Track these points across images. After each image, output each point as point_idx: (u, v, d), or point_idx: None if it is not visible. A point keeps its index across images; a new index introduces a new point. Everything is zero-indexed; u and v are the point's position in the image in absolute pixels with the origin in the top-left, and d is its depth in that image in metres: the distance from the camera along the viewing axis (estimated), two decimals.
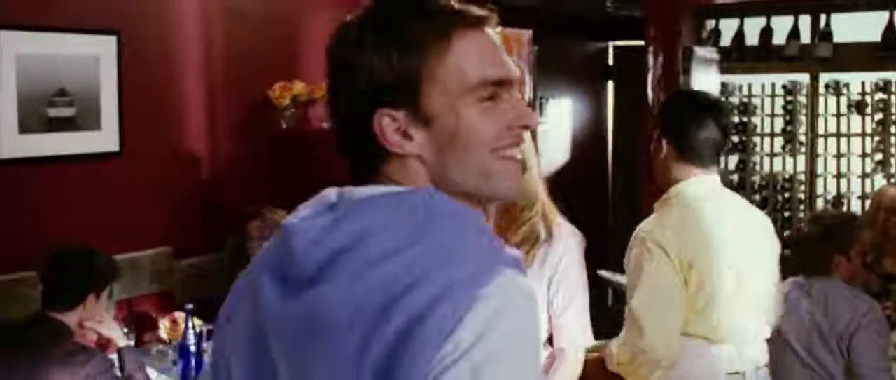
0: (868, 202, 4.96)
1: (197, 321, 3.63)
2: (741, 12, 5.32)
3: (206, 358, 3.64)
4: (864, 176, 5.03)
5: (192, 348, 3.52)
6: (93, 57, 3.86)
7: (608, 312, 8.03)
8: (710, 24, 5.49)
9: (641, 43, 5.64)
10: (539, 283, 2.53)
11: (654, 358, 2.59)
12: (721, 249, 2.64)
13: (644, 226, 2.71)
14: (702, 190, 2.69)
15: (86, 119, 3.86)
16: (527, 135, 1.23)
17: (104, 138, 3.93)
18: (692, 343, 2.66)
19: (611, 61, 8.04)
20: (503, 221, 2.49)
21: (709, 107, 2.73)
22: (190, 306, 3.58)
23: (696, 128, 2.67)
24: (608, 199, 8.08)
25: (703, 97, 2.88)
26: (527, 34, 6.89)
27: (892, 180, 4.91)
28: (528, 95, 6.97)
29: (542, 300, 2.56)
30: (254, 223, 3.97)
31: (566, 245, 2.57)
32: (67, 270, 3.25)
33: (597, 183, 7.97)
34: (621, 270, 2.91)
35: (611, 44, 7.98)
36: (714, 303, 2.63)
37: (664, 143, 2.72)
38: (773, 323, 2.84)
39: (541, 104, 7.11)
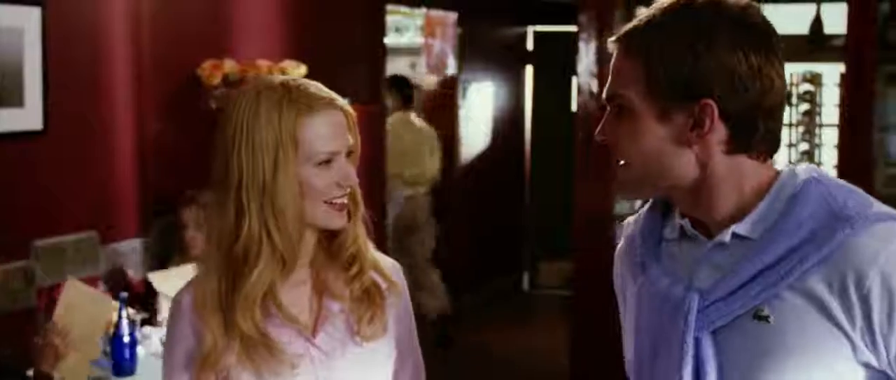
0: None
1: (129, 310, 3.46)
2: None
3: (141, 350, 3.47)
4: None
5: (127, 340, 3.35)
6: (16, 29, 3.62)
7: (523, 294, 8.10)
8: (643, 12, 5.50)
9: (562, 28, 5.63)
10: (387, 353, 1.76)
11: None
12: (405, 140, 6.29)
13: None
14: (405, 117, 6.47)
15: (8, 95, 3.61)
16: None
17: (27, 116, 3.69)
18: (399, 182, 6.30)
19: (530, 46, 8.05)
20: (331, 281, 1.72)
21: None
22: (124, 295, 3.40)
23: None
24: (525, 183, 8.11)
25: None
26: (452, 16, 6.83)
27: None
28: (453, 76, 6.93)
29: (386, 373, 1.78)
30: (187, 210, 3.80)
31: (405, 293, 1.80)
32: None
33: (514, 167, 7.99)
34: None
35: (531, 29, 7.98)
36: (404, 162, 6.24)
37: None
38: None
39: (463, 88, 7.06)
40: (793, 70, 5.13)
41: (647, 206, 1.51)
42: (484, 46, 7.33)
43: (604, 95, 1.38)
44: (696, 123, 1.30)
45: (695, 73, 1.29)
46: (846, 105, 4.80)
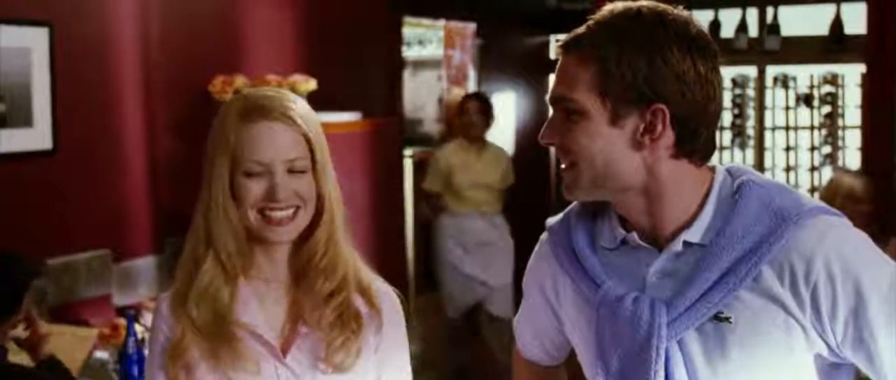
0: (817, 196, 4.98)
1: (138, 328, 3.46)
2: (689, 5, 5.26)
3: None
4: (812, 169, 5.05)
5: (134, 356, 3.34)
6: (24, 50, 3.65)
7: None
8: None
9: None
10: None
11: None
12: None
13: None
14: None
15: (17, 116, 3.64)
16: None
17: (36, 136, 3.72)
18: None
19: (553, 55, 8.00)
20: (306, 302, 1.66)
21: None
22: (131, 312, 3.40)
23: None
24: (551, 194, 8.04)
25: None
26: (470, 27, 6.79)
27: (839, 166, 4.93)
28: (472, 88, 6.88)
29: None
30: None
31: (392, 320, 1.73)
32: None
33: (538, 178, 7.93)
34: None
35: (553, 37, 7.94)
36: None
37: None
38: None
39: None
40: (813, 72, 5.04)
41: (574, 211, 1.50)
42: (504, 56, 7.28)
43: (549, 98, 1.40)
44: (648, 127, 1.33)
45: (648, 78, 1.32)
46: (868, 106, 4.69)
